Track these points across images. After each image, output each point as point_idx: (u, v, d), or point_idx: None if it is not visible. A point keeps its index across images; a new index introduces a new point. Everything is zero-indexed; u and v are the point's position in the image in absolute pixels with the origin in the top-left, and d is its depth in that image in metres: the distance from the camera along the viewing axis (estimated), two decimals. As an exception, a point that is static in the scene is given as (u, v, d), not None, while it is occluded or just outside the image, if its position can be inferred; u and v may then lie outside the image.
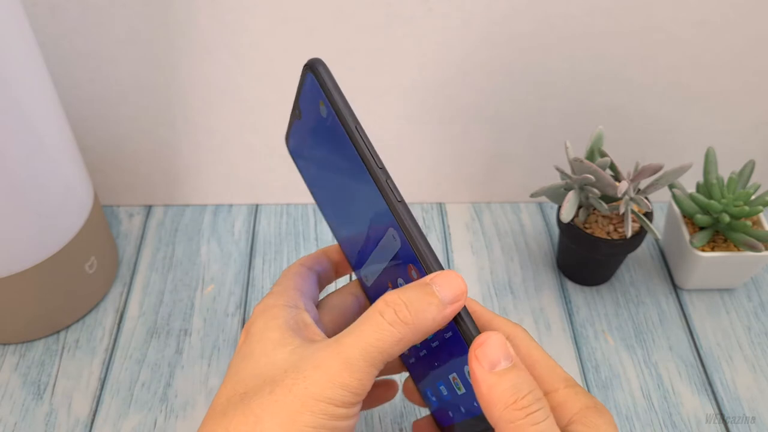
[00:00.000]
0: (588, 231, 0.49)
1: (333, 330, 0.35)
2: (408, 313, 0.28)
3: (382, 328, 0.28)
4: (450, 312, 0.28)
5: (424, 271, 0.29)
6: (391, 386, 0.39)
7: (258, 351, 0.29)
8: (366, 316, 0.28)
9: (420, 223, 0.58)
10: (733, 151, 0.55)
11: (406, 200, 0.60)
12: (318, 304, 0.36)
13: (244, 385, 0.29)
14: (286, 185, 0.58)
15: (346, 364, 0.27)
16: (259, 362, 0.29)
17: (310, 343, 0.29)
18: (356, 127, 0.30)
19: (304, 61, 0.31)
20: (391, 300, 0.28)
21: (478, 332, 0.29)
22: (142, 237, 0.57)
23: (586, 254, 0.50)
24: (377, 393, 0.38)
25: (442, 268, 0.29)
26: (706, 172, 0.50)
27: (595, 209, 0.50)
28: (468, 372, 0.29)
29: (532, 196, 0.50)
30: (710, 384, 0.48)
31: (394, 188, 0.29)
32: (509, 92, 0.52)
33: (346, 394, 0.27)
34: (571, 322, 0.51)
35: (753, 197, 0.48)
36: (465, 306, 0.29)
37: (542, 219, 0.59)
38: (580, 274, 0.53)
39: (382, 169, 0.29)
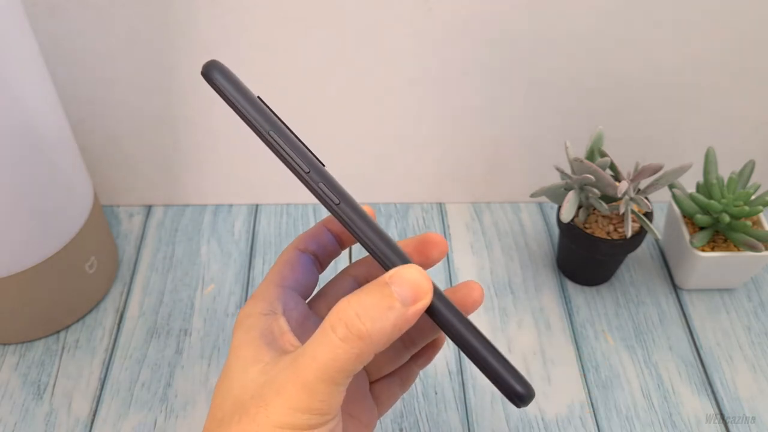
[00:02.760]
0: (588, 231, 0.49)
1: None
2: (362, 325, 0.25)
3: (335, 347, 0.25)
4: (412, 314, 0.25)
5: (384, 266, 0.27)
6: (436, 345, 0.35)
7: (233, 370, 0.28)
8: (318, 332, 0.26)
9: (420, 223, 0.58)
10: (733, 151, 0.55)
11: (406, 200, 0.60)
12: (318, 293, 0.35)
13: (221, 410, 0.28)
14: (286, 185, 0.58)
15: (304, 389, 0.25)
16: (233, 383, 0.28)
17: (280, 357, 0.27)
18: (269, 133, 0.27)
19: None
20: (342, 312, 0.25)
21: (463, 324, 0.27)
22: (142, 237, 0.57)
23: (586, 254, 0.50)
24: (425, 353, 0.35)
25: (404, 261, 0.27)
26: (706, 172, 0.50)
27: (595, 209, 0.50)
28: None
29: (532, 196, 0.50)
30: (710, 384, 0.48)
31: (328, 190, 0.27)
32: (509, 92, 0.52)
33: (312, 417, 0.25)
34: (571, 322, 0.51)
35: (753, 197, 0.48)
36: (437, 298, 0.26)
37: (542, 219, 0.59)
38: (580, 274, 0.53)
39: (309, 173, 0.27)
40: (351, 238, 0.34)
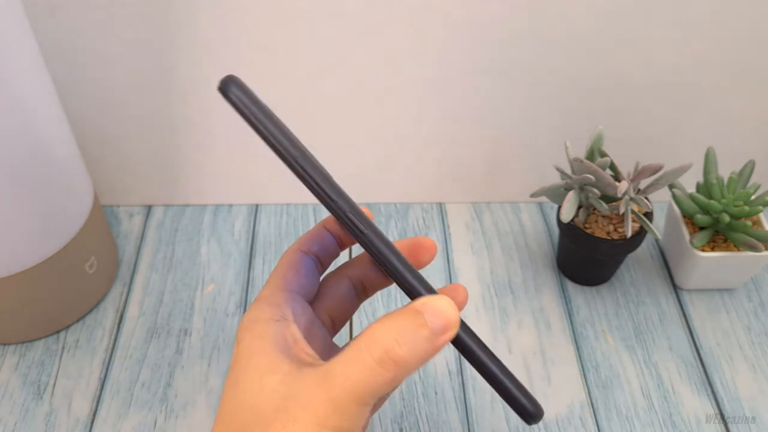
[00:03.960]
0: (588, 231, 0.49)
1: (331, 321, 0.34)
2: (399, 350, 0.25)
3: (370, 370, 0.25)
4: (441, 343, 0.26)
5: (410, 293, 0.28)
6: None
7: (247, 380, 0.27)
8: (352, 353, 0.26)
9: (420, 223, 0.58)
10: (733, 151, 0.55)
11: (407, 200, 0.60)
12: (317, 292, 0.34)
13: (235, 420, 0.27)
14: (286, 185, 0.58)
15: (334, 407, 0.25)
16: (247, 393, 0.27)
17: (299, 368, 0.27)
18: (297, 162, 0.26)
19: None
20: (381, 337, 0.26)
21: (492, 360, 0.28)
22: (142, 237, 0.57)
23: (586, 254, 0.50)
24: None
25: (431, 290, 0.27)
26: (706, 172, 0.50)
27: (595, 209, 0.50)
28: None
29: (532, 196, 0.50)
30: (710, 384, 0.48)
31: (356, 219, 0.27)
32: (509, 92, 0.52)
33: None
34: (571, 322, 0.51)
35: (753, 197, 0.48)
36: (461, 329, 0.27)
37: (542, 219, 0.59)
38: (580, 274, 0.53)
39: (336, 202, 0.27)
40: (350, 240, 0.34)
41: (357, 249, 0.52)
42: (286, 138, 0.26)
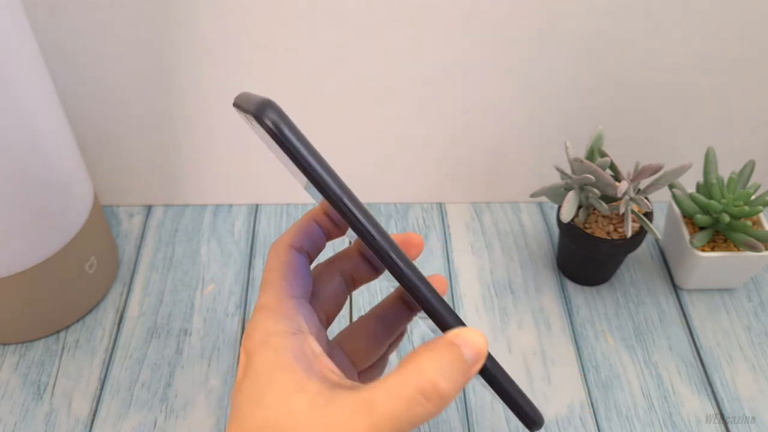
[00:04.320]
0: (588, 231, 0.49)
1: (326, 317, 0.33)
2: (445, 384, 0.26)
3: (416, 402, 0.26)
4: (473, 374, 0.27)
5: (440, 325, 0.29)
6: (404, 331, 0.36)
7: (271, 398, 0.27)
8: (398, 385, 0.26)
9: (420, 223, 0.58)
10: (733, 151, 0.55)
11: (406, 200, 0.60)
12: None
13: None
14: (286, 185, 0.58)
15: None
16: (273, 411, 0.26)
17: (330, 389, 0.27)
18: (342, 202, 0.26)
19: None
20: (425, 371, 0.26)
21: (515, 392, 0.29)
22: (142, 237, 0.56)
23: (586, 254, 0.50)
24: (398, 340, 0.37)
25: (460, 322, 0.29)
26: (706, 172, 0.50)
27: (595, 209, 0.50)
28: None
29: (532, 196, 0.50)
30: (710, 384, 0.48)
31: (397, 258, 0.27)
32: (509, 92, 0.52)
33: None
34: (572, 322, 0.51)
35: (753, 197, 0.48)
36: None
37: (542, 219, 0.59)
38: (581, 274, 0.53)
39: (378, 240, 0.27)
40: (339, 233, 0.34)
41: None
42: (329, 175, 0.26)
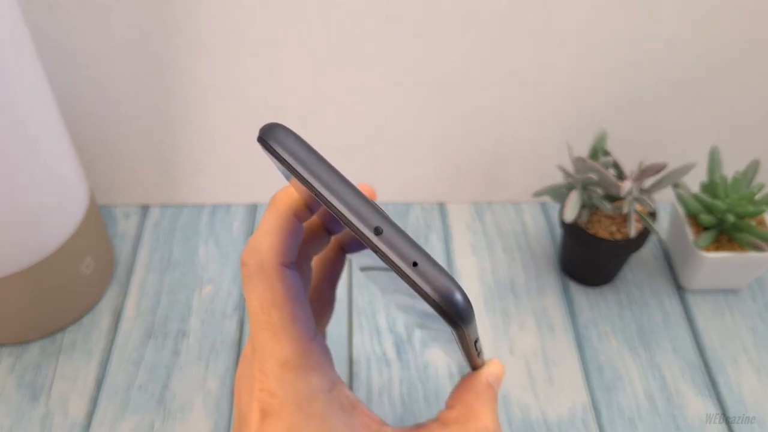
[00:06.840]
0: (591, 231, 0.48)
1: (317, 323, 0.32)
2: (492, 425, 0.30)
3: None
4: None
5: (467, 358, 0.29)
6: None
7: None
8: None
9: (420, 223, 0.58)
10: (737, 151, 0.54)
11: (406, 200, 0.59)
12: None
13: None
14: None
15: None
16: None
17: None
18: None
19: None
20: (483, 422, 0.30)
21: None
22: (139, 237, 0.56)
23: (589, 255, 0.50)
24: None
25: (483, 359, 0.31)
26: (711, 171, 0.50)
27: (598, 209, 0.50)
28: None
29: (534, 195, 0.49)
30: (714, 386, 0.47)
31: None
32: (510, 91, 0.52)
33: None
34: (574, 324, 0.51)
35: (757, 197, 0.48)
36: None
37: (545, 219, 0.58)
38: (583, 274, 0.53)
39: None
40: (321, 229, 0.30)
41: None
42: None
